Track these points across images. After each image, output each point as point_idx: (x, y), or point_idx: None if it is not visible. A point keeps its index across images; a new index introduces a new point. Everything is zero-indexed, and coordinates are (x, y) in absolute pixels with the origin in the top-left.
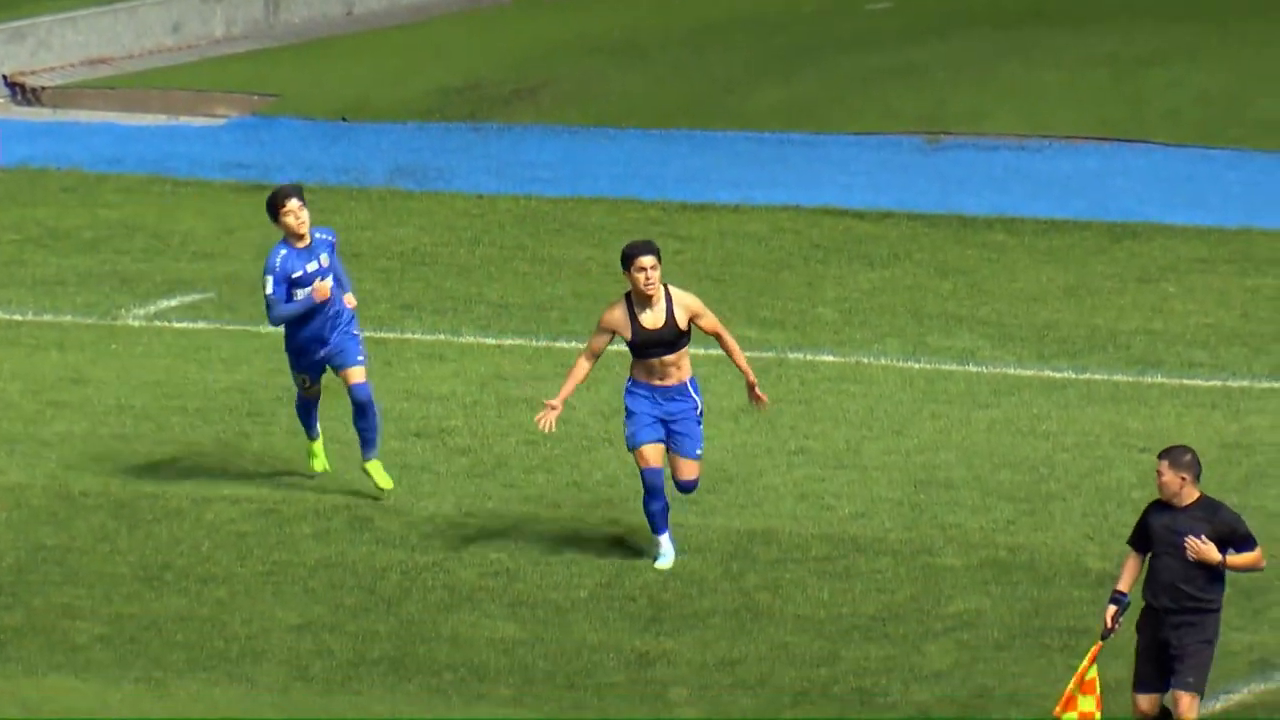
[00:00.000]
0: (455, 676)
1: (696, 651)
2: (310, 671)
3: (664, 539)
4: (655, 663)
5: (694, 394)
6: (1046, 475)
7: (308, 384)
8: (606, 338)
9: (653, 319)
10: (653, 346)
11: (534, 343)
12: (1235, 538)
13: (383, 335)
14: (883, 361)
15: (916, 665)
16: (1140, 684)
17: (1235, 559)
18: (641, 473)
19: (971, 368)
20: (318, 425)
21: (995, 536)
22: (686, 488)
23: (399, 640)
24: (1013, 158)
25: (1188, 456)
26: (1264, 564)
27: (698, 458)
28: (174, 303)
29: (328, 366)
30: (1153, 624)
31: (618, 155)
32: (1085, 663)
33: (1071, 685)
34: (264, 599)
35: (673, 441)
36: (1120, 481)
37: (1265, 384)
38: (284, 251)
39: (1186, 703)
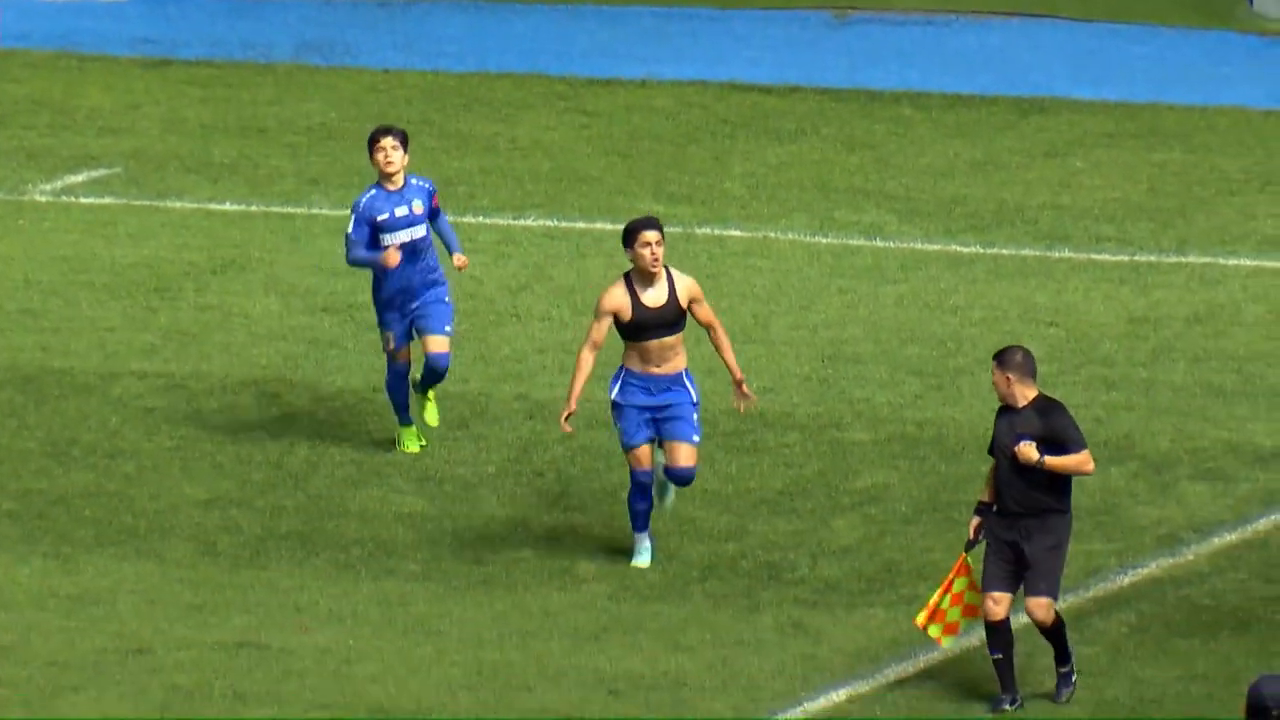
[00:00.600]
0: (363, 551)
1: (604, 527)
2: (218, 547)
3: (644, 537)
4: (563, 538)
5: (690, 385)
6: (954, 350)
7: (391, 344)
8: (608, 322)
9: (654, 297)
10: (654, 328)
11: None
12: (1063, 439)
13: (289, 210)
14: (790, 236)
15: (824, 540)
16: (988, 583)
17: (1054, 460)
18: (632, 473)
19: (879, 243)
20: (409, 410)
21: (903, 411)
22: (684, 476)
23: (307, 515)
24: (920, 33)
25: (1018, 357)
26: (1090, 468)
27: (695, 443)
28: (80, 178)
29: (413, 331)
30: (1000, 525)
31: (524, 30)
32: (951, 574)
33: (936, 597)
34: (172, 475)
35: (667, 429)
36: None
37: (1172, 258)
38: (372, 192)
39: (1041, 610)
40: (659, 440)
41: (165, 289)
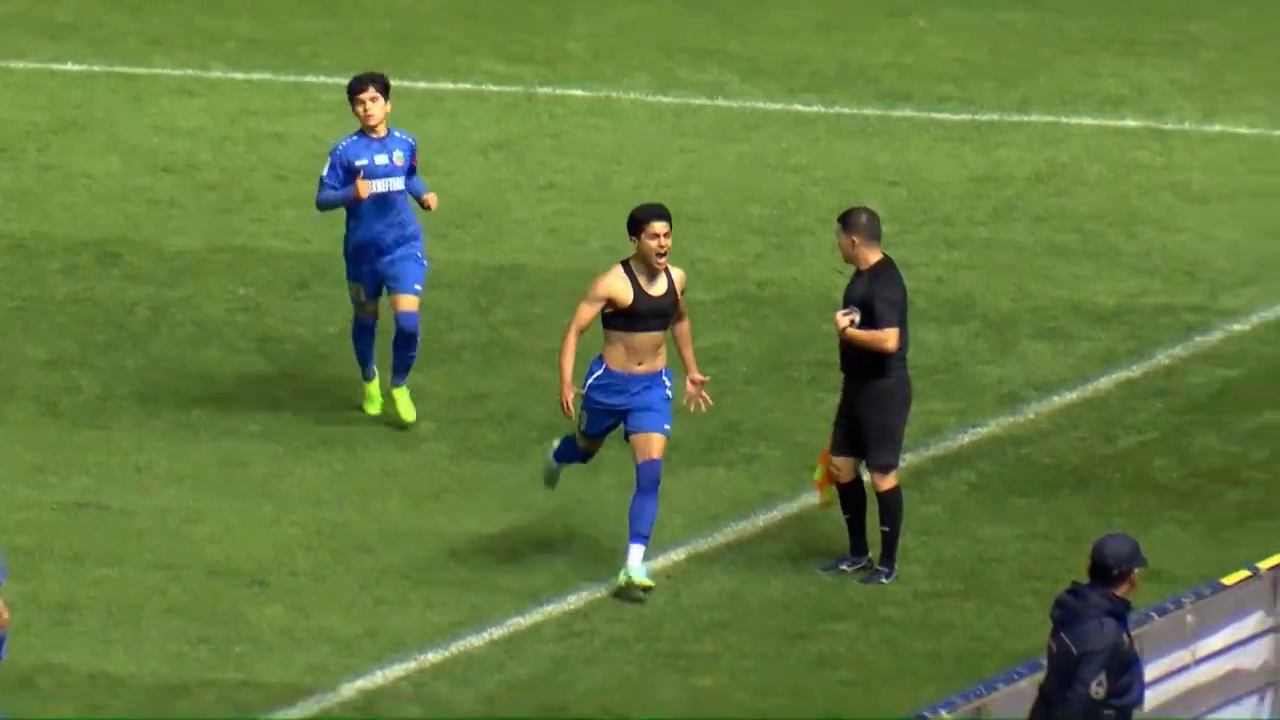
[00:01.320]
0: (204, 412)
1: (445, 386)
2: (59, 408)
3: (555, 467)
4: None
5: (667, 381)
6: (795, 210)
7: (362, 297)
8: (598, 308)
9: (656, 287)
10: (650, 318)
11: (283, 78)
12: (875, 306)
13: (131, 70)
14: (632, 96)
15: None
16: (834, 446)
17: (856, 332)
18: (574, 447)
19: (721, 102)
20: (373, 364)
21: (744, 271)
22: (654, 472)
23: (147, 376)
24: None
25: (862, 219)
26: (889, 347)
27: (665, 433)
28: None
29: (383, 287)
30: (843, 389)
31: None
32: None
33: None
34: (13, 335)
35: (636, 420)
36: None
37: (1015, 117)
38: (353, 138)
39: (879, 480)
40: (625, 434)
41: (6, 149)
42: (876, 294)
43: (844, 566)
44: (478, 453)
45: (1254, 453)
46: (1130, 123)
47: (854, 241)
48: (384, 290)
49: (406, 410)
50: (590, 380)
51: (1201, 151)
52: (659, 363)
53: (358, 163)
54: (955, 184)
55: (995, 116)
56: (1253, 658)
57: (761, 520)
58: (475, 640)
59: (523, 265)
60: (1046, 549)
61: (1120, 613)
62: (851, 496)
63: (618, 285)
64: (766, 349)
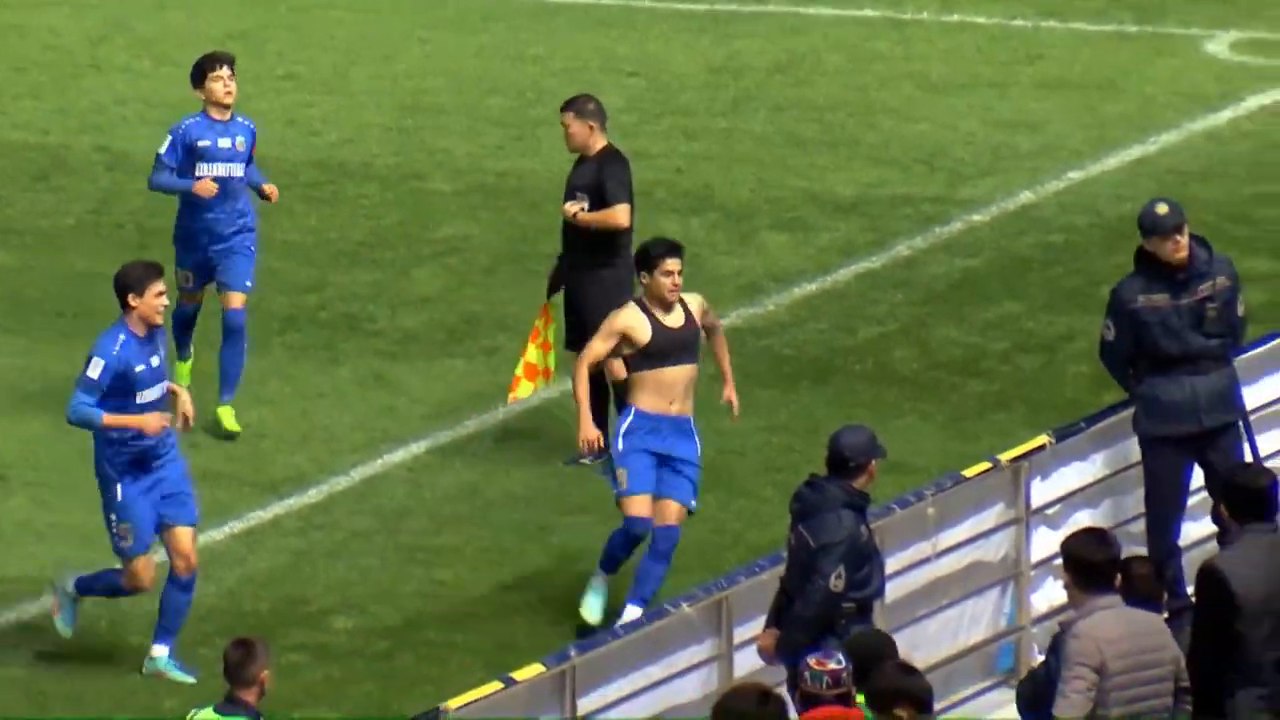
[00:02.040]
0: None
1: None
2: None
3: (602, 581)
4: None
5: (697, 438)
6: (534, 100)
7: (190, 284)
8: (613, 344)
9: (672, 319)
10: (675, 351)
11: None
12: (606, 186)
13: None
14: None
15: (404, 290)
16: (569, 342)
17: (587, 216)
18: (628, 521)
19: None
20: (191, 347)
21: (483, 162)
22: (669, 537)
23: None
24: None
25: (592, 104)
26: (622, 220)
27: (692, 508)
28: None
29: (214, 278)
30: (568, 283)
31: None
32: (537, 323)
33: (526, 353)
34: None
35: (666, 482)
36: (610, 106)
37: (753, 8)
38: (196, 118)
39: (612, 368)
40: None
41: None
42: (606, 175)
43: (585, 460)
44: (215, 345)
45: (993, 344)
46: (869, 12)
47: (591, 128)
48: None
49: (230, 423)
50: (622, 428)
51: (940, 41)
52: (690, 404)
53: (200, 143)
54: (694, 75)
55: (734, 7)
56: (994, 550)
57: (502, 413)
58: (216, 534)
59: (263, 157)
60: (787, 441)
61: (858, 505)
62: (591, 388)
63: (634, 320)
64: (505, 240)
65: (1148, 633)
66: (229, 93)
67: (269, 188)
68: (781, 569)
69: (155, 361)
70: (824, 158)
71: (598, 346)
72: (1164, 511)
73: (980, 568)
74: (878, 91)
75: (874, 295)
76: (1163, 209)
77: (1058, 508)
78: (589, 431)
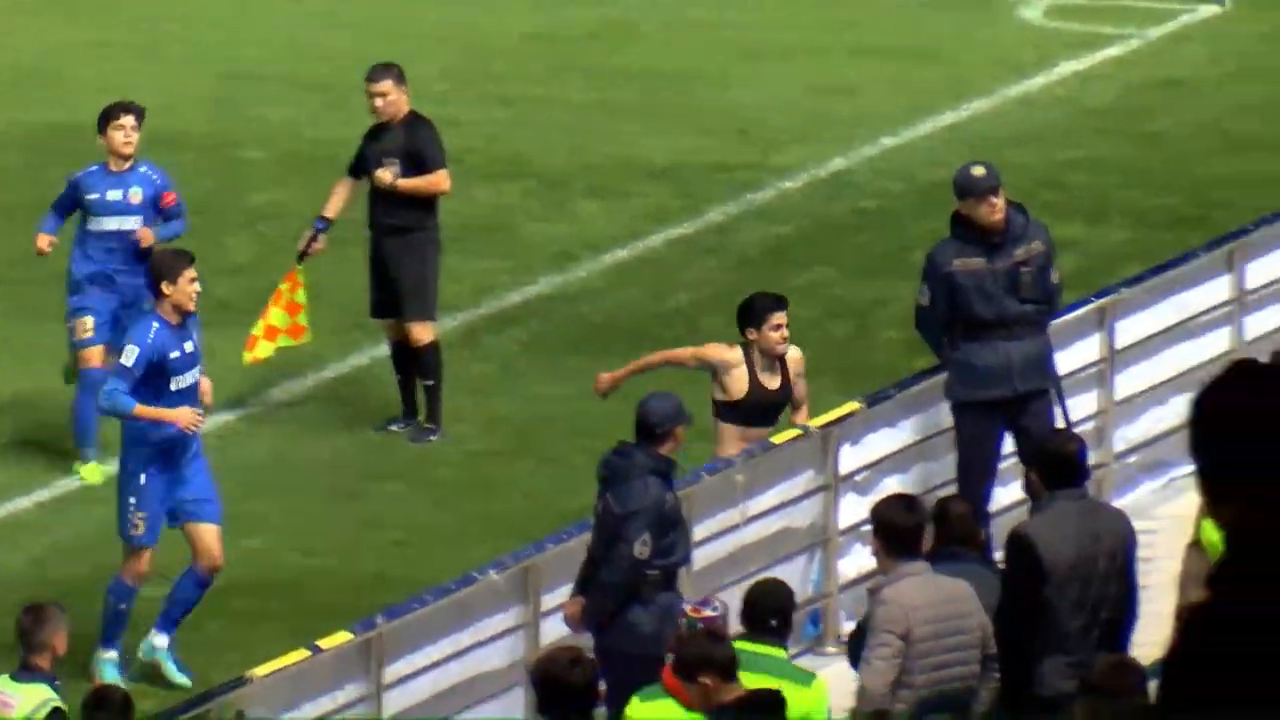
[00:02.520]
0: None
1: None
2: None
3: None
4: None
5: None
6: (350, 67)
7: (89, 330)
8: (693, 365)
9: (771, 378)
10: (763, 412)
11: None
12: (424, 158)
13: None
14: None
15: (216, 258)
16: (375, 309)
17: (407, 182)
18: None
19: None
20: (93, 438)
21: (300, 130)
22: None
23: None
24: None
25: (395, 69)
26: (447, 186)
27: None
28: None
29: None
30: (375, 248)
31: None
32: (283, 285)
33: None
34: None
35: None
36: (423, 73)
37: None
38: (93, 169)
39: (420, 333)
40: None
41: None
42: (421, 140)
43: (394, 427)
44: (29, 312)
45: (804, 310)
46: None
47: (404, 93)
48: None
49: (91, 473)
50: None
51: (756, 9)
52: None
53: (88, 196)
54: (508, 42)
55: None
56: (803, 517)
57: (311, 380)
58: (23, 503)
59: (77, 124)
60: (598, 407)
61: (664, 471)
62: (399, 357)
63: (734, 368)
64: (319, 208)
65: (954, 600)
66: (128, 143)
67: (145, 234)
68: (589, 536)
69: (189, 347)
70: (638, 125)
71: (680, 354)
72: (974, 477)
73: (789, 534)
74: (694, 59)
75: (686, 262)
76: (978, 171)
77: (867, 474)
78: (620, 374)
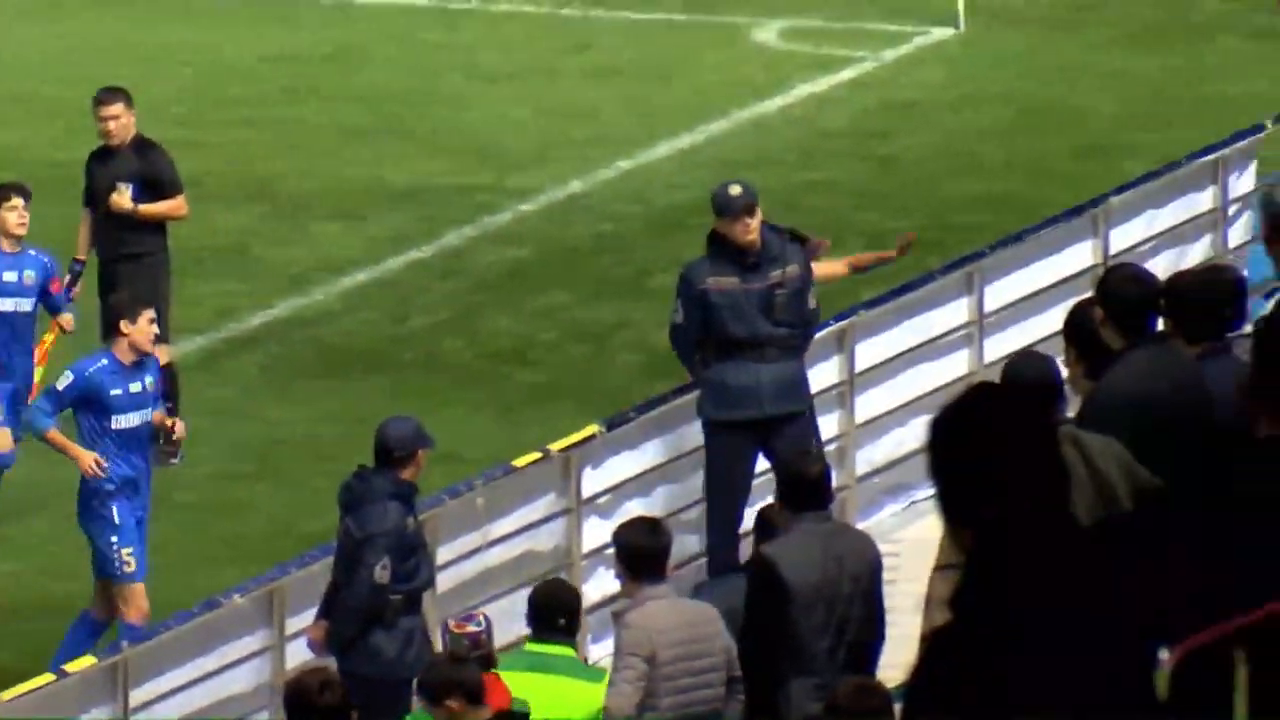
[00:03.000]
0: None
1: None
2: None
3: None
4: None
5: None
6: (90, 91)
7: None
8: None
9: None
10: None
11: None
12: (162, 183)
13: None
14: None
15: None
16: (104, 332)
17: (151, 207)
18: None
19: None
20: None
21: (41, 153)
22: None
23: None
24: None
25: (124, 93)
26: (185, 212)
27: None
28: None
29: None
30: (104, 274)
31: None
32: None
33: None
34: None
35: None
36: (162, 95)
37: None
38: None
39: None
40: None
41: None
42: (157, 165)
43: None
44: None
45: (543, 333)
46: (419, 2)
47: (133, 117)
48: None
49: None
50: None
51: (489, 31)
52: None
53: None
54: (247, 64)
55: None
56: (546, 540)
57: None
58: None
59: None
60: (338, 430)
61: (405, 495)
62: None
63: None
64: (61, 232)
65: (699, 622)
66: (22, 224)
67: (65, 318)
68: (333, 560)
69: (137, 388)
70: (376, 148)
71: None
72: (723, 499)
73: (533, 557)
74: (429, 81)
75: (425, 285)
76: (735, 190)
77: (609, 497)
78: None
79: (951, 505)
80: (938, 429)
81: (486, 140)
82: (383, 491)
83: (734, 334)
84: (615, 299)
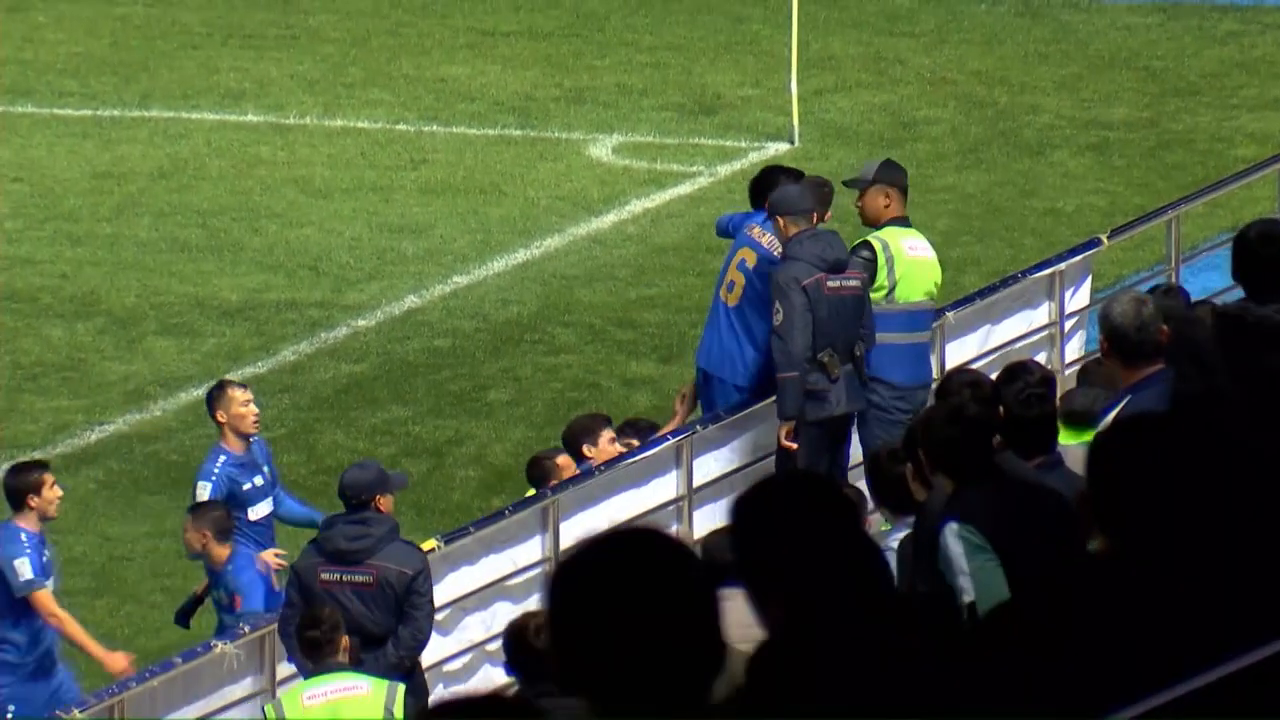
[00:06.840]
0: None
1: None
2: None
3: None
4: None
5: None
6: None
7: None
8: None
9: None
10: None
11: None
12: None
13: None
14: None
15: None
16: None
17: None
18: None
19: None
20: None
21: None
22: None
23: None
24: None
25: None
26: None
27: None
28: None
29: None
30: None
31: None
32: None
33: None
34: None
35: None
36: None
37: (136, 113)
38: None
39: None
40: None
41: None
42: None
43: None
44: None
45: (381, 448)
46: (252, 117)
47: None
48: None
49: None
50: None
51: (323, 146)
52: None
53: None
54: (78, 180)
55: (117, 112)
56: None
57: None
58: None
59: None
60: (176, 546)
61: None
62: None
63: None
64: None
65: None
66: None
67: None
68: (173, 674)
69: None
70: (209, 263)
71: None
72: None
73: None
74: (262, 196)
75: (261, 401)
76: None
77: (448, 612)
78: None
79: (756, 586)
80: (740, 511)
81: (320, 255)
82: (389, 526)
83: None
84: (452, 414)
